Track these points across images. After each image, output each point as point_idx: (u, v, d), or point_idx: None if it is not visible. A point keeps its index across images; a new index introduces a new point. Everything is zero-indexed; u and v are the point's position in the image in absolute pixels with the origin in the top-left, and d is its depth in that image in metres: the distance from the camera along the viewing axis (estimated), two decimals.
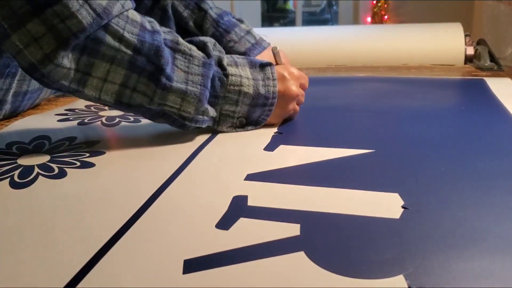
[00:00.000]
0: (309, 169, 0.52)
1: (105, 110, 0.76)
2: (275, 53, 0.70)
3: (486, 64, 1.06)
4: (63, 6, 0.48)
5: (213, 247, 0.36)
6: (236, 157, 0.55)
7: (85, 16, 0.49)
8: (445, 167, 0.52)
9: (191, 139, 0.61)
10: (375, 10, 2.72)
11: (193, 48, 0.59)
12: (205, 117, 0.60)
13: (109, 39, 0.52)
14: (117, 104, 0.55)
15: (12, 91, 0.69)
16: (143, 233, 0.39)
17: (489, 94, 0.83)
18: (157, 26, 0.57)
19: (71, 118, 0.70)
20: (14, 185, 0.48)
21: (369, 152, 0.56)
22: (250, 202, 0.44)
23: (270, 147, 0.58)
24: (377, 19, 2.70)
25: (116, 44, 0.52)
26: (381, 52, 1.09)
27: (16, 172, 0.51)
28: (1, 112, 0.70)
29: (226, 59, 0.62)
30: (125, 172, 0.51)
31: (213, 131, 0.63)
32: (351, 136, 0.63)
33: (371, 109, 0.75)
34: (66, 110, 0.76)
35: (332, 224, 0.40)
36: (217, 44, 0.62)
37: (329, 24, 4.14)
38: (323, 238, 0.38)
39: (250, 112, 0.64)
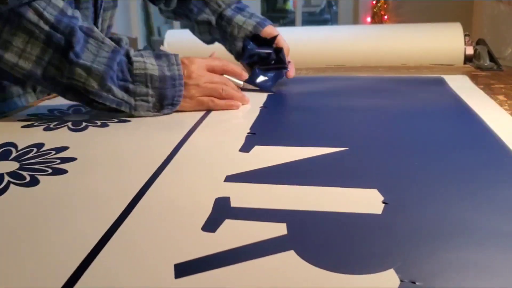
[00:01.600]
0: (286, 168, 0.52)
1: (70, 114, 0.74)
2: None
3: (485, 64, 1.07)
4: None
5: (202, 250, 0.36)
6: (213, 159, 0.55)
7: None
8: (418, 162, 0.53)
9: (162, 143, 0.60)
10: (375, 10, 2.75)
11: (107, 39, 0.67)
12: (110, 96, 0.66)
13: (30, 15, 0.61)
14: (32, 75, 0.63)
15: None
16: (128, 239, 0.38)
17: (450, 92, 0.85)
18: (77, 14, 0.66)
19: (35, 124, 0.68)
20: None
21: (343, 150, 0.56)
22: (233, 204, 0.44)
23: (246, 148, 0.58)
24: (377, 19, 2.73)
25: (35, 19, 0.61)
26: (380, 52, 1.10)
27: None
28: None
29: (133, 52, 0.69)
30: (99, 179, 0.50)
31: (184, 135, 0.62)
32: (324, 134, 0.64)
33: (342, 108, 0.76)
34: (28, 115, 0.73)
35: (318, 222, 0.40)
36: (128, 42, 0.70)
37: (329, 24, 4.16)
38: (310, 236, 0.38)
39: (162, 94, 0.69)
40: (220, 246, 0.36)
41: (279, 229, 0.39)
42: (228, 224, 0.40)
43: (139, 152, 0.57)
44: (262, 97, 0.82)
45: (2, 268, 0.35)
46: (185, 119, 0.70)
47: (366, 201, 0.44)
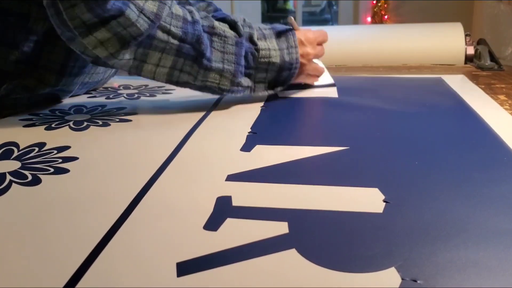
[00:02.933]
0: (287, 167, 0.52)
1: (71, 114, 0.74)
2: (290, 23, 0.80)
3: (486, 64, 1.07)
4: (125, 18, 0.60)
5: (204, 248, 0.36)
6: (214, 159, 0.55)
7: (142, 24, 0.61)
8: (419, 162, 0.53)
9: (164, 143, 0.60)
10: (375, 10, 2.75)
11: (226, 29, 0.71)
12: (240, 88, 0.73)
13: (159, 34, 0.64)
14: (168, 82, 0.69)
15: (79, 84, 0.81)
16: (130, 238, 0.38)
17: (449, 91, 0.86)
18: (196, 15, 0.68)
19: (37, 123, 0.68)
20: None
21: (344, 149, 0.57)
22: (234, 203, 0.44)
23: (247, 147, 0.58)
24: (377, 19, 2.73)
25: (165, 37, 0.65)
26: (381, 52, 1.09)
27: None
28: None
29: (256, 34, 0.73)
30: (101, 178, 0.50)
31: (185, 134, 0.62)
32: (324, 134, 0.64)
33: (342, 107, 0.76)
34: (30, 114, 0.73)
35: (319, 220, 0.41)
36: (246, 19, 0.74)
37: (329, 24, 4.16)
38: (312, 235, 0.38)
39: (277, 76, 0.76)
40: (222, 245, 0.37)
41: (280, 228, 0.39)
42: (230, 223, 0.40)
43: (141, 152, 0.58)
44: (262, 97, 0.83)
45: (4, 267, 0.35)
46: (186, 119, 0.70)
47: (367, 200, 0.44)
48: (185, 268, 0.34)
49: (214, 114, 0.73)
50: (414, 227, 0.39)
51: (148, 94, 0.89)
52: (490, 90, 0.83)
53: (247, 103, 0.80)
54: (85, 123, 0.68)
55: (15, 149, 0.58)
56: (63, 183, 0.49)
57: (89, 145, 0.60)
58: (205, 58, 0.68)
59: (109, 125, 0.68)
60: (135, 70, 0.67)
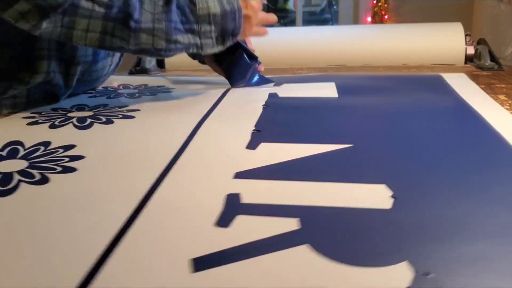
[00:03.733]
0: (294, 165, 0.53)
1: (73, 111, 0.74)
2: None
3: (486, 64, 1.07)
4: None
5: (217, 245, 0.37)
6: (220, 156, 0.55)
7: None
8: (424, 159, 0.54)
9: (168, 141, 0.60)
10: (375, 10, 2.75)
11: None
12: (179, 45, 0.71)
13: (83, 3, 0.63)
14: (102, 47, 0.68)
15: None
16: (143, 235, 0.38)
17: (450, 90, 0.86)
18: None
19: (40, 121, 0.68)
20: None
21: (348, 147, 0.57)
22: (243, 200, 0.44)
23: (252, 145, 0.58)
24: (377, 19, 2.73)
25: (90, 5, 0.64)
26: (381, 52, 1.10)
27: None
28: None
29: None
30: (109, 177, 0.51)
31: (190, 133, 0.63)
32: (327, 132, 0.65)
33: (342, 105, 0.77)
34: (32, 112, 0.73)
35: (329, 216, 0.41)
36: None
37: (329, 24, 4.15)
38: (323, 231, 0.39)
39: (223, 28, 0.74)
40: (235, 241, 0.37)
41: (291, 224, 0.40)
42: (241, 220, 0.40)
43: (146, 150, 0.58)
44: (263, 96, 0.83)
45: (17, 267, 0.35)
46: (188, 117, 0.70)
47: (375, 196, 0.44)
48: (200, 263, 0.34)
49: (216, 112, 0.73)
50: (423, 223, 0.40)
51: (149, 94, 0.89)
52: (490, 90, 0.84)
53: (248, 101, 0.80)
54: (89, 120, 0.68)
55: (21, 148, 0.58)
56: (71, 182, 0.49)
57: (94, 143, 0.60)
58: (133, 20, 0.66)
59: (113, 122, 0.68)
60: (65, 37, 0.65)
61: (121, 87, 0.96)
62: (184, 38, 0.71)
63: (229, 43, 0.77)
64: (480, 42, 1.15)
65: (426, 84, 0.92)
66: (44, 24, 0.62)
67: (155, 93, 0.90)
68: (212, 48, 0.75)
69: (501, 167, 0.51)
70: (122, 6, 0.65)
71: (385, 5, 2.70)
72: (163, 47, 0.69)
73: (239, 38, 0.78)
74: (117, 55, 0.89)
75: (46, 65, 0.73)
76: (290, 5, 4.17)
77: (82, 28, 0.65)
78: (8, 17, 0.61)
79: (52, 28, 0.63)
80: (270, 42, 1.20)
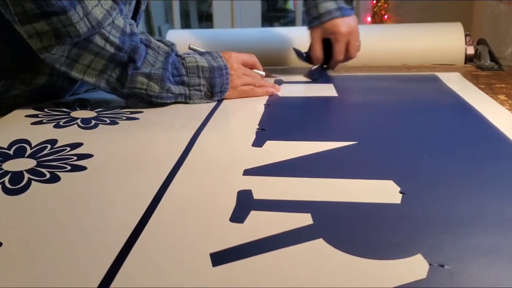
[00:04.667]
0: (301, 162, 0.53)
1: (76, 110, 0.74)
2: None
3: (486, 64, 1.07)
4: (67, 17, 0.61)
5: (233, 240, 0.37)
6: (228, 154, 0.56)
7: (83, 27, 0.63)
8: (427, 155, 0.55)
9: (174, 141, 0.61)
10: (375, 9, 2.74)
11: (161, 45, 0.74)
12: (170, 94, 0.74)
13: (97, 40, 0.66)
14: (97, 85, 0.70)
15: None
16: (160, 232, 0.39)
17: (445, 87, 0.88)
18: (135, 29, 0.71)
19: (44, 121, 0.68)
20: (8, 191, 0.47)
21: (353, 144, 0.58)
22: (255, 196, 0.45)
23: (258, 143, 0.59)
24: (377, 19, 2.72)
25: (102, 43, 0.66)
26: (381, 51, 1.10)
27: (6, 178, 0.49)
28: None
29: (181, 53, 0.77)
30: (120, 175, 0.51)
31: (194, 132, 0.63)
32: (331, 129, 0.66)
33: (344, 104, 0.78)
34: (35, 109, 0.73)
35: (341, 211, 0.42)
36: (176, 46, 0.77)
37: None
38: (336, 225, 0.40)
39: (212, 83, 0.78)
40: (251, 236, 0.38)
41: (304, 219, 0.40)
42: (254, 215, 0.41)
43: (153, 149, 0.58)
44: (264, 96, 0.84)
45: (35, 268, 0.35)
46: (192, 116, 0.70)
47: (384, 191, 0.45)
48: (219, 258, 0.35)
49: (219, 111, 0.74)
50: (434, 216, 0.40)
51: None
52: (490, 90, 0.85)
53: (250, 101, 0.81)
54: (93, 122, 0.68)
55: (28, 147, 0.58)
56: (82, 180, 0.49)
57: (101, 142, 0.60)
58: (134, 66, 0.69)
59: (117, 123, 0.68)
60: (66, 67, 0.67)
61: None
62: (175, 89, 0.75)
63: (217, 98, 0.79)
64: (480, 42, 1.15)
65: (422, 82, 0.94)
66: (55, 50, 0.63)
67: None
68: (200, 100, 0.78)
69: (504, 161, 0.52)
70: (131, 51, 0.69)
71: (385, 5, 2.71)
72: (155, 93, 0.72)
73: (226, 96, 0.81)
74: None
75: (49, 66, 0.73)
76: (290, 5, 4.17)
77: (85, 63, 0.67)
78: (24, 31, 0.62)
79: (59, 57, 0.65)
80: (270, 42, 1.20)
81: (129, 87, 0.70)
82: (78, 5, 0.62)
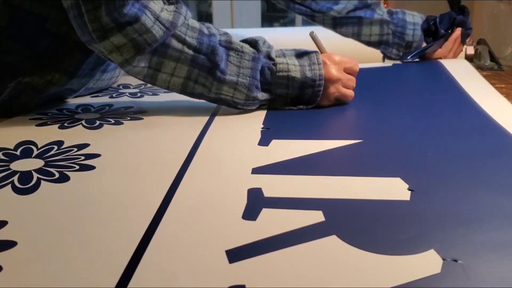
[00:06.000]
0: (308, 160, 0.54)
1: (80, 113, 0.74)
2: (312, 36, 0.77)
3: (486, 64, 1.07)
4: (141, 24, 0.61)
5: (247, 237, 0.38)
6: (235, 153, 0.56)
7: (158, 30, 0.63)
8: (432, 152, 0.55)
9: (180, 140, 0.61)
10: None
11: (245, 45, 0.70)
12: (256, 101, 0.71)
13: (174, 43, 0.65)
14: (183, 92, 0.69)
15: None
16: (173, 230, 0.39)
17: (448, 77, 0.88)
18: (213, 30, 0.69)
19: (48, 123, 0.68)
20: (18, 191, 0.47)
21: (359, 142, 0.58)
22: (266, 194, 0.45)
23: (264, 142, 0.59)
24: None
25: (179, 46, 0.65)
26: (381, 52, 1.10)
27: (15, 178, 0.49)
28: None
29: (274, 52, 0.72)
30: (129, 174, 0.51)
31: (200, 132, 0.63)
32: (336, 128, 0.66)
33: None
34: (38, 114, 0.73)
35: (352, 208, 0.42)
36: (266, 41, 0.73)
37: None
38: (348, 222, 0.40)
39: (300, 94, 0.72)
40: (264, 233, 0.38)
41: (316, 216, 0.41)
42: (266, 213, 0.41)
43: (159, 149, 0.59)
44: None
45: (51, 268, 0.35)
46: (196, 116, 0.71)
47: (393, 189, 0.46)
48: (234, 255, 0.35)
49: (222, 111, 0.74)
50: (443, 212, 0.41)
51: (150, 93, 0.90)
52: None
53: None
54: (98, 122, 0.69)
55: (34, 148, 0.58)
56: (92, 179, 0.49)
57: (107, 142, 0.60)
58: (219, 70, 0.67)
59: (122, 123, 0.68)
60: (150, 79, 0.67)
61: (121, 87, 0.96)
62: (262, 96, 0.71)
63: (301, 107, 0.73)
64: (480, 42, 1.15)
65: (427, 72, 0.94)
66: (137, 61, 0.64)
67: (157, 92, 0.90)
68: (282, 106, 0.73)
69: (506, 158, 0.53)
70: (210, 54, 0.67)
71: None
72: (241, 101, 0.70)
73: (316, 105, 0.73)
74: None
75: (65, 80, 0.74)
76: None
77: (168, 71, 0.66)
78: (103, 48, 0.62)
79: (141, 68, 0.65)
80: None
81: (216, 93, 0.69)
82: (147, 11, 0.62)
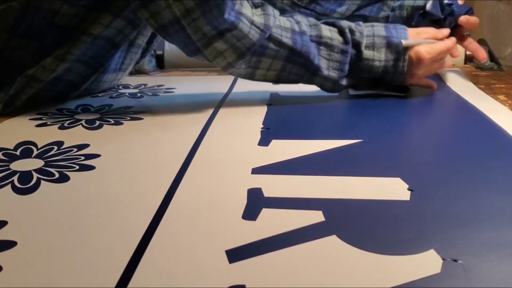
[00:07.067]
0: (308, 160, 0.54)
1: (80, 113, 0.74)
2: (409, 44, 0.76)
3: (486, 64, 1.07)
4: (239, 30, 0.66)
5: (247, 237, 0.38)
6: (235, 153, 0.56)
7: (254, 34, 0.67)
8: (432, 152, 0.55)
9: (180, 140, 0.61)
10: None
11: (334, 36, 0.74)
12: (341, 86, 0.77)
13: (271, 45, 0.70)
14: (276, 82, 0.76)
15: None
16: (173, 230, 0.39)
17: (446, 87, 0.89)
18: (303, 26, 0.73)
19: (48, 123, 0.68)
20: (18, 191, 0.47)
21: (358, 142, 0.59)
22: (265, 194, 0.45)
23: (263, 142, 0.59)
24: None
25: (276, 47, 0.70)
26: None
27: (15, 178, 0.49)
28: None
29: (365, 42, 0.74)
30: (129, 174, 0.51)
31: (200, 132, 0.63)
32: (335, 128, 0.66)
33: (345, 102, 0.79)
34: (38, 114, 0.73)
35: (352, 208, 0.42)
36: (357, 27, 0.75)
37: None
38: (348, 222, 0.40)
39: (379, 79, 0.77)
40: (264, 233, 0.38)
41: (316, 216, 0.41)
42: (266, 213, 0.41)
43: (159, 148, 0.59)
44: (265, 95, 0.84)
45: (51, 268, 0.35)
46: (196, 116, 0.71)
47: (392, 188, 0.46)
48: (234, 255, 0.35)
49: (222, 111, 0.74)
50: (443, 212, 0.41)
51: (150, 93, 0.90)
52: (490, 90, 0.85)
53: (252, 101, 0.81)
54: (98, 122, 0.69)
55: (34, 148, 0.58)
56: (92, 179, 0.49)
57: (107, 142, 0.60)
58: (313, 66, 0.73)
59: (122, 123, 0.68)
60: (249, 76, 0.73)
61: (120, 87, 0.96)
62: (347, 82, 0.77)
63: (382, 89, 0.80)
64: (480, 42, 1.15)
65: None
66: (239, 64, 0.69)
67: (157, 93, 0.90)
68: (362, 90, 0.80)
69: (505, 158, 0.53)
70: (304, 52, 0.71)
71: None
72: (329, 89, 0.77)
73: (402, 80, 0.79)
74: (129, 69, 0.90)
75: (56, 65, 0.73)
76: None
77: (265, 67, 0.72)
78: (208, 54, 0.67)
79: (242, 69, 0.71)
80: None
81: (307, 80, 0.75)
82: (242, 17, 0.66)
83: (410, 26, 0.90)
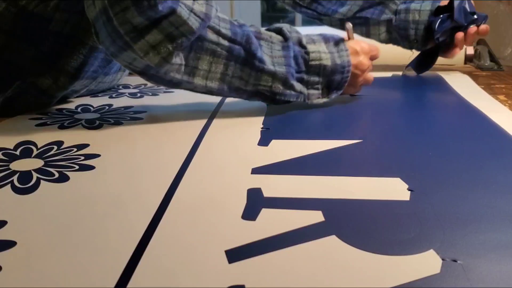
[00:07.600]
0: (308, 160, 0.54)
1: (79, 113, 0.74)
2: (348, 28, 0.78)
3: (486, 64, 1.07)
4: (177, 16, 0.58)
5: (247, 237, 0.38)
6: (235, 153, 0.56)
7: (194, 22, 0.60)
8: (432, 152, 0.55)
9: (180, 140, 0.61)
10: None
11: (273, 34, 0.71)
12: (292, 92, 0.71)
13: (210, 35, 0.64)
14: (220, 89, 0.68)
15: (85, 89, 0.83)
16: (173, 230, 0.39)
17: (447, 87, 0.89)
18: (241, 21, 0.69)
19: (48, 122, 0.68)
20: (17, 190, 0.47)
21: (358, 142, 0.59)
22: (265, 194, 0.45)
23: (263, 142, 0.59)
24: None
25: (215, 38, 0.64)
26: (380, 51, 1.10)
27: (15, 178, 0.49)
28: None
29: (305, 38, 0.72)
30: (129, 174, 0.51)
31: (199, 132, 0.63)
32: (335, 128, 0.66)
33: (344, 103, 0.78)
34: (38, 113, 0.73)
35: (351, 209, 0.42)
36: (292, 27, 0.73)
37: None
38: (348, 222, 0.40)
39: (330, 81, 0.73)
40: (264, 233, 0.38)
41: (315, 216, 0.41)
42: (266, 213, 0.41)
43: (159, 149, 0.59)
44: None
45: (51, 268, 0.35)
46: (195, 117, 0.71)
47: (392, 189, 0.46)
48: (234, 255, 0.35)
49: (222, 111, 0.74)
50: (442, 213, 0.41)
51: (150, 94, 0.90)
52: (489, 90, 0.85)
53: (252, 101, 0.81)
54: (97, 122, 0.69)
55: (34, 148, 0.58)
56: (91, 179, 0.49)
57: (107, 142, 0.60)
58: (257, 59, 0.67)
59: (122, 123, 0.68)
60: (188, 76, 0.65)
61: (121, 87, 0.96)
62: (297, 86, 0.71)
63: (333, 95, 0.74)
64: (480, 42, 1.15)
65: (426, 82, 0.94)
66: (174, 58, 0.61)
67: (157, 93, 0.91)
68: (317, 99, 0.74)
69: (506, 159, 0.53)
70: (245, 42, 0.66)
71: None
72: (279, 91, 0.70)
73: (344, 90, 0.76)
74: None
75: (68, 82, 0.74)
76: None
77: (205, 68, 0.65)
78: (138, 49, 0.59)
79: (179, 66, 0.62)
80: None
81: (253, 84, 0.68)
82: (181, 3, 0.59)
83: (417, 29, 0.92)
